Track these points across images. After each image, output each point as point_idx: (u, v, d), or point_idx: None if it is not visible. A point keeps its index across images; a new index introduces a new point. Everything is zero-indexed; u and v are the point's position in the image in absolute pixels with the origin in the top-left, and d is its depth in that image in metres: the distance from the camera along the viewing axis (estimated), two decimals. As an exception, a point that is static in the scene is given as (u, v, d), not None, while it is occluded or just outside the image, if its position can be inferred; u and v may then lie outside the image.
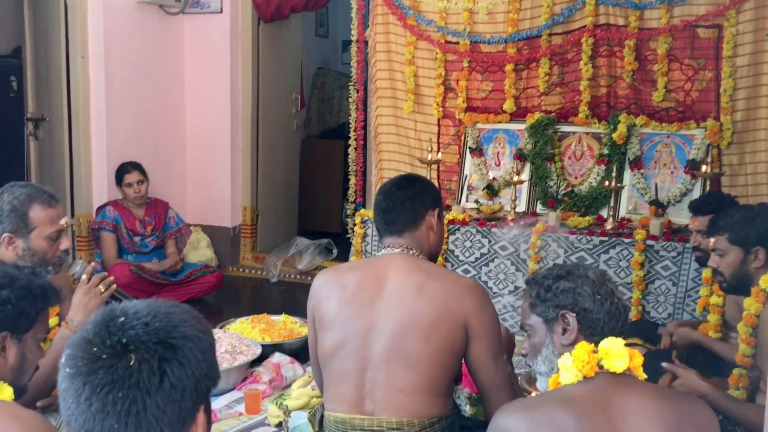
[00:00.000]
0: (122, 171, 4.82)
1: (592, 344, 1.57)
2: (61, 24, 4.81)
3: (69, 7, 4.79)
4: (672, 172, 4.24)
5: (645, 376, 1.58)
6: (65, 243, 2.38)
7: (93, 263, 3.01)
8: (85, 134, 4.91)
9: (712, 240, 2.57)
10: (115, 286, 2.35)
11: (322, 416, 2.29)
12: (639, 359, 1.58)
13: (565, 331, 1.62)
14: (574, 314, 1.61)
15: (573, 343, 1.61)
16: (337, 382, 2.14)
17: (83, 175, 4.94)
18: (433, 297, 2.07)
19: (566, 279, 1.64)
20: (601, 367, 1.54)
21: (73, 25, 4.81)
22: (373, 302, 2.11)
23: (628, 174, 4.30)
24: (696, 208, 3.17)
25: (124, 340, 1.03)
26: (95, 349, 1.02)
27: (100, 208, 4.80)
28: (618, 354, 1.53)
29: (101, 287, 2.30)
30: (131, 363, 1.01)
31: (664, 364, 2.34)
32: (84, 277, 2.32)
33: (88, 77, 4.87)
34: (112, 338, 1.03)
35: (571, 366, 1.54)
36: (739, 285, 2.49)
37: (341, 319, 2.14)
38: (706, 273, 3.24)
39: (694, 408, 1.54)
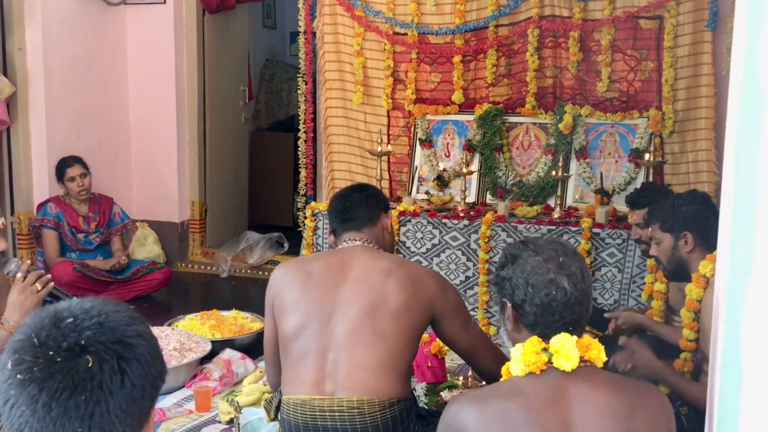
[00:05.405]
0: (63, 165, 4.69)
1: (542, 341, 1.52)
2: (-5, 15, 4.65)
3: (4, -2, 4.63)
4: (616, 161, 4.33)
5: (602, 361, 1.54)
6: (2, 244, 2.30)
7: (28, 261, 2.92)
8: (24, 129, 4.76)
9: (649, 230, 2.65)
10: (52, 284, 2.28)
11: (279, 403, 2.29)
12: (596, 350, 1.53)
13: (508, 318, 1.60)
14: (511, 305, 1.59)
15: (516, 331, 1.59)
16: (298, 363, 2.17)
17: (23, 171, 4.79)
18: (401, 279, 2.21)
19: (508, 266, 1.59)
20: (551, 363, 1.51)
21: (9, 15, 4.64)
22: (337, 286, 2.22)
23: (574, 163, 4.37)
24: (632, 202, 3.26)
25: (83, 342, 1.00)
26: (51, 352, 0.99)
27: (41, 205, 4.67)
28: (567, 356, 1.49)
29: (38, 285, 2.23)
30: (90, 365, 0.99)
31: (622, 339, 2.37)
32: (19, 275, 2.25)
33: (26, 70, 4.71)
34: (68, 340, 1.00)
35: (519, 358, 1.52)
36: (676, 270, 2.56)
37: (305, 301, 2.21)
38: (651, 261, 3.31)
39: (645, 399, 1.52)
